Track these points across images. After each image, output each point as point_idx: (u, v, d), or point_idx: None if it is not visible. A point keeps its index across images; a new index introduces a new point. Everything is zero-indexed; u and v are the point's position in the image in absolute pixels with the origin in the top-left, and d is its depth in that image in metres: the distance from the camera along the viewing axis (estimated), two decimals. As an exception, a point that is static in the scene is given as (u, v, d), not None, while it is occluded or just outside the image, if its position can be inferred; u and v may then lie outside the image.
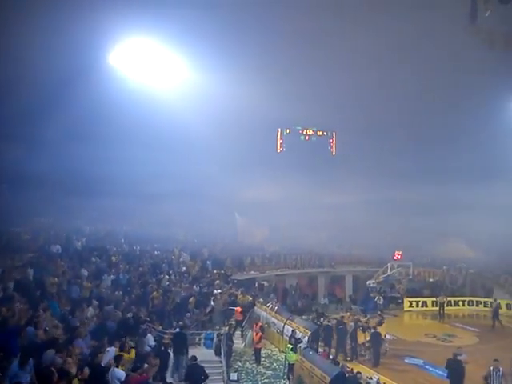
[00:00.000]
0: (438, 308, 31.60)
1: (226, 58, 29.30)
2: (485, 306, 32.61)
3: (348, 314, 26.13)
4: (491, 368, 14.90)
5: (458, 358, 16.38)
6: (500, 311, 31.52)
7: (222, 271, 31.37)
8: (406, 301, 33.47)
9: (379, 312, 26.39)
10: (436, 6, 26.85)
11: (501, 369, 14.74)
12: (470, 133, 36.64)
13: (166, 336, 16.74)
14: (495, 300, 30.48)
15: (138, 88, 29.38)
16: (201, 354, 18.44)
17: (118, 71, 29.46)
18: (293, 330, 20.72)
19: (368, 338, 21.28)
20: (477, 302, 33.50)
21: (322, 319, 23.88)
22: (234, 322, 23.17)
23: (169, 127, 30.96)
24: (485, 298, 33.61)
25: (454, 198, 36.30)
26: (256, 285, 32.87)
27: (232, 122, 34.30)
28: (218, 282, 27.21)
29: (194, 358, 14.89)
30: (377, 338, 20.70)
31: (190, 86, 30.02)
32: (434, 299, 33.21)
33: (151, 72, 30.20)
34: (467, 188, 35.49)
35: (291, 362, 18.23)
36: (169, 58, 29.80)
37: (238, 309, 23.51)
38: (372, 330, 21.06)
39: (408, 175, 38.52)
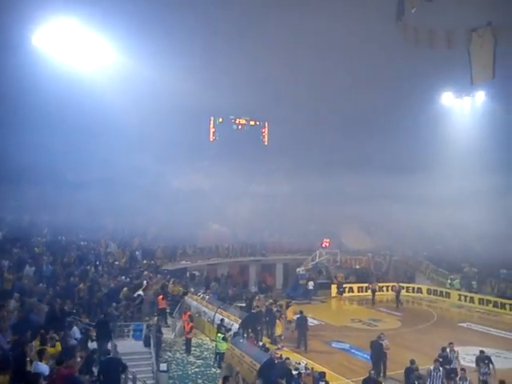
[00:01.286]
0: (362, 293, 32.95)
1: (158, 43, 28.63)
2: (407, 291, 34.28)
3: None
4: (431, 368, 14.59)
5: (380, 342, 17.16)
6: (421, 296, 33.50)
7: (152, 261, 30.90)
8: (334, 287, 34.46)
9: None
10: (367, 2, 27.59)
11: (441, 369, 14.53)
12: (395, 126, 38.10)
13: (92, 328, 16.25)
14: (398, 283, 32.27)
15: (64, 70, 28.08)
16: (130, 345, 18.20)
17: (42, 53, 28.02)
18: (222, 319, 20.78)
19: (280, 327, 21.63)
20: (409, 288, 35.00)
21: (252, 307, 24.23)
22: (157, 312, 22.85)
23: (95, 112, 29.86)
24: (407, 283, 35.32)
25: (379, 188, 37.77)
26: (187, 274, 32.68)
27: (163, 109, 33.69)
28: (146, 272, 26.71)
29: (108, 352, 14.35)
30: (302, 323, 21.21)
31: (118, 71, 29.11)
32: (360, 285, 34.59)
33: (77, 54, 28.96)
34: (392, 179, 37.04)
35: (222, 351, 18.30)
36: (95, 40, 28.72)
37: (160, 296, 23.21)
38: (299, 315, 21.58)
39: (336, 166, 39.52)
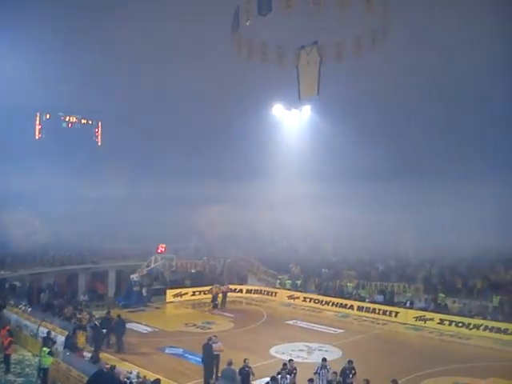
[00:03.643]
0: (197, 297, 33.32)
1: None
2: (240, 292, 35.51)
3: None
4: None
5: (214, 344, 17.38)
6: (252, 296, 34.92)
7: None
8: (169, 292, 34.15)
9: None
10: (207, 12, 28.10)
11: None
12: (231, 133, 39.43)
13: None
14: (224, 285, 33.44)
15: None
16: None
17: None
18: (48, 332, 19.24)
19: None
20: (234, 289, 35.99)
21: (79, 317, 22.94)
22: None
23: None
24: (239, 284, 36.53)
25: (215, 192, 38.73)
26: (7, 286, 29.67)
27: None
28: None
29: None
30: (120, 326, 21.21)
31: None
32: (195, 289, 34.80)
33: None
34: (228, 184, 38.25)
35: (46, 366, 16.92)
36: None
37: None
38: (117, 318, 21.56)
39: (172, 170, 39.50)
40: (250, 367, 15.30)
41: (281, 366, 15.29)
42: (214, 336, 18.17)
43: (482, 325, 24.98)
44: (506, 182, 33.00)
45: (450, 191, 35.33)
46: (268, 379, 14.56)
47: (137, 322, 26.67)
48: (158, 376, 15.62)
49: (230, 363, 15.31)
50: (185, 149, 40.61)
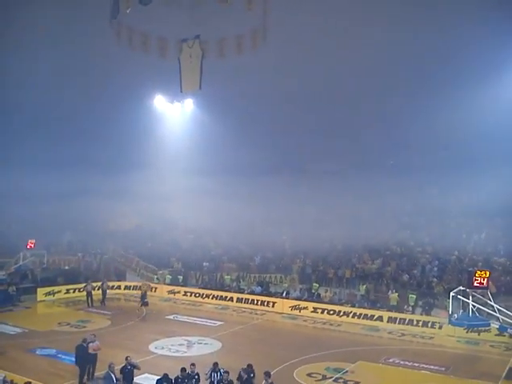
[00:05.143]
0: (71, 295, 32.02)
1: None
2: (118, 289, 34.51)
3: None
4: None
5: (91, 344, 16.75)
6: (131, 292, 34.14)
7: None
8: (40, 291, 32.14)
9: None
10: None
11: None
12: (108, 124, 37.77)
13: None
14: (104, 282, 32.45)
15: None
16: None
17: None
18: None
19: None
20: (118, 286, 34.85)
21: None
22: None
23: None
24: (117, 281, 35.48)
25: (93, 185, 37.43)
26: None
27: None
28: None
29: None
30: None
31: None
32: (69, 287, 33.15)
33: None
34: (107, 177, 37.01)
35: None
36: None
37: None
38: None
39: (42, 161, 37.24)
40: (133, 364, 14.96)
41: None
42: (93, 335, 17.51)
43: (351, 312, 27.01)
44: (375, 181, 35.98)
45: (324, 187, 37.52)
46: (147, 375, 14.34)
47: (4, 323, 24.98)
48: (27, 379, 14.69)
49: (109, 366, 14.70)
50: (58, 139, 38.12)
